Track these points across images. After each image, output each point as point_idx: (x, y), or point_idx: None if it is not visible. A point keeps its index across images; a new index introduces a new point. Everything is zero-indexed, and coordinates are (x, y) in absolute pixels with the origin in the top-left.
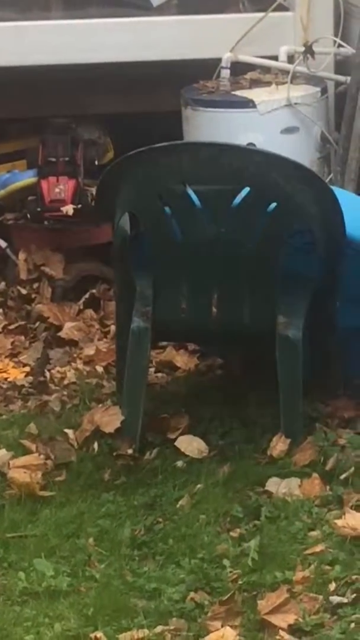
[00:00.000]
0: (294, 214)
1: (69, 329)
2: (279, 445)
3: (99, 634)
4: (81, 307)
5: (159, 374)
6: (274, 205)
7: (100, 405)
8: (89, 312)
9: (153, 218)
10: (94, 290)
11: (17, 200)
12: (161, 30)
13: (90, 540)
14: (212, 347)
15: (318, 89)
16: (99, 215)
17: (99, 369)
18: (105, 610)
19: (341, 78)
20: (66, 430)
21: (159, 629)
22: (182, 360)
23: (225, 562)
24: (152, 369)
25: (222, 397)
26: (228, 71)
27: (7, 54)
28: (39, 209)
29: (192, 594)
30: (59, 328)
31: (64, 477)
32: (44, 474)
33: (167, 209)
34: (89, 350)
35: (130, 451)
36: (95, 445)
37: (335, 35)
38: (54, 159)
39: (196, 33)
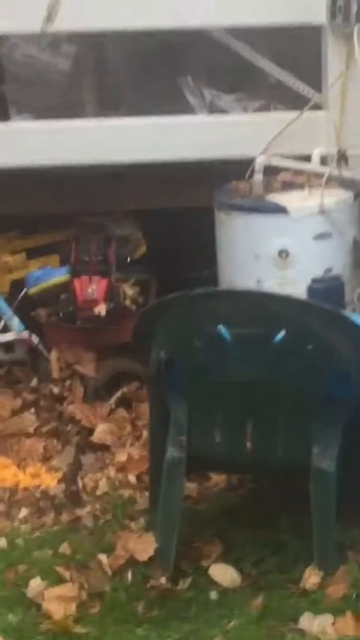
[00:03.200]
0: (329, 356)
1: (100, 433)
2: (312, 577)
3: None
4: (113, 406)
5: (191, 484)
6: (309, 347)
7: (132, 523)
8: (121, 412)
9: (187, 358)
10: (125, 390)
11: (49, 295)
12: (192, 130)
13: None
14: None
15: (351, 193)
16: (137, 349)
17: (132, 478)
18: None
19: None
20: (100, 557)
21: None
22: None
23: None
24: None
25: (254, 519)
26: (261, 175)
27: (39, 154)
28: (71, 309)
29: None
30: (91, 431)
31: (98, 609)
32: (78, 605)
33: (200, 348)
34: (121, 457)
35: (163, 580)
36: (129, 574)
37: None
38: (86, 259)
39: (227, 133)
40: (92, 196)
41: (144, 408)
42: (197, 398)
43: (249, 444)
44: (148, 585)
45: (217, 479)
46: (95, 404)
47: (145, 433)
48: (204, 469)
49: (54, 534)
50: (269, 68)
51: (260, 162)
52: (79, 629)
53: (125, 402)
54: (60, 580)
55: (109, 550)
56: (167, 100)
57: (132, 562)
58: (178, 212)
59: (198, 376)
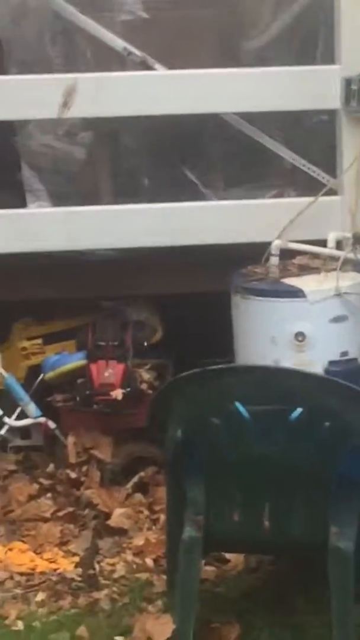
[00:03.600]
0: (346, 434)
1: (118, 517)
2: None
3: None
4: (130, 491)
5: (209, 568)
6: (327, 424)
7: (150, 606)
8: (138, 497)
9: (205, 435)
10: (142, 474)
11: (66, 381)
12: (208, 215)
13: None
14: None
15: None
16: (152, 430)
17: (149, 561)
18: None
19: None
20: (117, 639)
21: None
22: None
23: None
24: None
25: (272, 601)
26: (277, 258)
27: (55, 239)
28: (88, 392)
29: None
30: (108, 515)
31: None
32: None
33: (218, 425)
34: (139, 541)
35: None
36: None
37: None
38: (103, 343)
39: (243, 219)
40: (108, 281)
41: (161, 492)
42: (214, 476)
43: (267, 523)
44: None
45: (236, 561)
46: (112, 489)
47: (162, 517)
48: (221, 549)
49: (71, 617)
50: (284, 153)
51: (276, 245)
52: None
53: (143, 487)
54: None
55: (127, 632)
56: (181, 190)
57: None
58: (194, 296)
59: (215, 454)
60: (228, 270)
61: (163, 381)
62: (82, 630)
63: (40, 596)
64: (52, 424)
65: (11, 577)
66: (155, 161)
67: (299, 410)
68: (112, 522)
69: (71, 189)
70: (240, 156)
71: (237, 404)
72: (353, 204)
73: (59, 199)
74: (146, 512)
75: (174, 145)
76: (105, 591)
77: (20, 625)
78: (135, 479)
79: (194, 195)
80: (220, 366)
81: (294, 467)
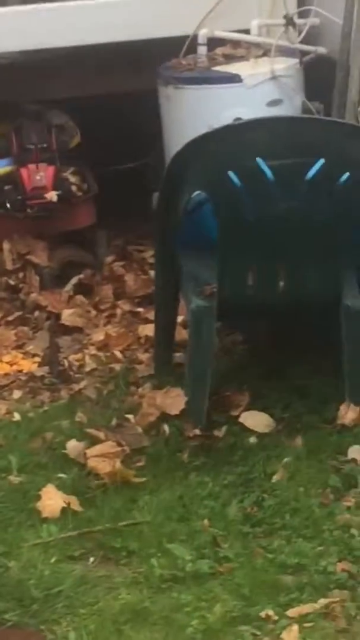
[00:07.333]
0: None
1: (69, 316)
2: (348, 413)
3: (269, 612)
4: (71, 293)
5: (177, 354)
6: (346, 176)
7: (140, 389)
8: (80, 298)
9: (225, 195)
10: (81, 276)
11: None
12: (123, 10)
13: (205, 521)
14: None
15: (296, 60)
16: (164, 197)
17: (117, 354)
18: (261, 589)
19: (321, 49)
20: (127, 416)
21: (321, 601)
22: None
23: (354, 531)
24: None
25: (269, 371)
26: (205, 48)
27: None
28: (19, 197)
29: (340, 565)
30: (58, 316)
31: (144, 462)
32: (122, 460)
33: (239, 185)
34: (99, 336)
35: (198, 432)
36: (166, 427)
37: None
38: (31, 147)
39: (157, 12)
40: (18, 86)
41: (106, 291)
42: (229, 245)
43: (282, 284)
44: (186, 436)
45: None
46: (54, 292)
47: (119, 312)
48: (234, 315)
49: (62, 408)
50: None
51: (203, 34)
52: (137, 480)
53: (83, 289)
54: (94, 441)
55: (132, 411)
56: None
57: (162, 417)
58: (107, 100)
59: (233, 218)
60: (141, 69)
61: (88, 185)
62: (80, 417)
63: (17, 394)
64: None
65: None
66: None
67: (321, 161)
68: (65, 321)
69: None
70: None
71: (258, 160)
72: None
73: None
74: (94, 312)
75: None
76: (85, 382)
77: (17, 416)
78: (73, 280)
79: None
80: (242, 121)
81: (313, 225)
